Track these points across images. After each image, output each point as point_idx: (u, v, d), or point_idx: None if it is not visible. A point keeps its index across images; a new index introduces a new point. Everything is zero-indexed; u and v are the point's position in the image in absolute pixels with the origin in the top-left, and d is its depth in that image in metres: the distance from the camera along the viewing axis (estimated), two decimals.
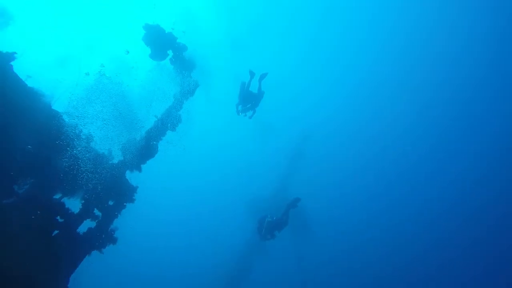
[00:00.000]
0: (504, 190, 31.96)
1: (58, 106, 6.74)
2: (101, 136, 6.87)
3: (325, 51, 34.76)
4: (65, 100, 6.69)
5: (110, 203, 6.86)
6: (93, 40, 28.75)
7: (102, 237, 6.64)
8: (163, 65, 8.19)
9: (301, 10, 33.35)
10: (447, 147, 34.30)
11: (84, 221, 6.55)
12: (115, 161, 6.98)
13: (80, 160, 6.23)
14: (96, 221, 6.66)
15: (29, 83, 6.31)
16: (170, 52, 7.66)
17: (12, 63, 5.70)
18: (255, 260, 23.94)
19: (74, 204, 6.53)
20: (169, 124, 7.38)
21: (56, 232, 6.42)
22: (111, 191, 6.74)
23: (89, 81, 6.96)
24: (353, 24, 33.79)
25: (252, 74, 8.97)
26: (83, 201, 6.51)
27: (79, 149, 6.27)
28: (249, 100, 9.22)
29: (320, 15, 33.31)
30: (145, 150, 7.09)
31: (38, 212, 6.35)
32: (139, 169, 7.19)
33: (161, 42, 7.39)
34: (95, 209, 6.71)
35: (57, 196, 6.73)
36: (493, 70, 31.14)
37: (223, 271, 24.73)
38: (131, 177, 7.22)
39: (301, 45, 34.87)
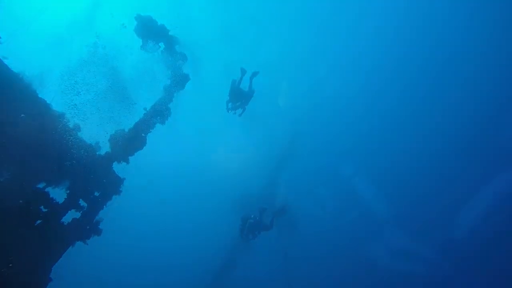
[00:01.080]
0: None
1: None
2: (91, 108, 6.87)
3: (324, 50, 34.87)
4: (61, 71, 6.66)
5: (96, 194, 6.82)
6: (84, 19, 27.94)
7: (87, 228, 6.60)
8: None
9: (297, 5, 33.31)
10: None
11: (69, 212, 6.49)
12: (103, 152, 6.94)
13: (72, 132, 6.18)
14: (81, 211, 6.61)
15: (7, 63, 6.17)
16: (161, 45, 7.64)
17: None
18: (240, 257, 24.11)
19: (59, 194, 6.46)
20: (158, 117, 7.38)
21: (39, 221, 6.34)
22: (97, 182, 6.70)
23: (85, 51, 6.96)
24: (352, 24, 34.06)
25: (243, 71, 9.03)
26: (68, 191, 6.45)
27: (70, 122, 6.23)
28: (239, 97, 9.25)
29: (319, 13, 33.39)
30: (133, 142, 7.07)
31: (21, 201, 6.26)
32: (127, 161, 7.17)
33: (152, 34, 7.35)
34: (81, 199, 6.65)
35: (41, 186, 6.64)
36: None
37: (209, 267, 24.83)
38: (118, 168, 7.18)
39: (300, 41, 34.82)
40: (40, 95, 6.68)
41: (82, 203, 6.74)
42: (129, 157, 7.11)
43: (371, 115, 35.74)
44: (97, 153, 6.99)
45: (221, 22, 32.45)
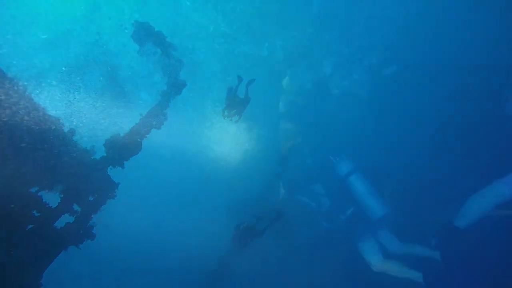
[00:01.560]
0: None
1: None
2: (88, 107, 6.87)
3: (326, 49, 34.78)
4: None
5: (90, 198, 6.81)
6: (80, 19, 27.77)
7: (80, 232, 6.57)
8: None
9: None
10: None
11: (62, 216, 6.45)
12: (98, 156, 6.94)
13: (66, 136, 6.15)
14: (75, 216, 6.58)
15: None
16: (158, 51, 7.70)
17: None
18: (234, 259, 23.92)
19: (52, 199, 6.42)
20: (154, 122, 7.42)
21: (31, 226, 6.28)
22: (92, 186, 6.69)
23: (85, 49, 7.03)
24: (354, 24, 33.98)
25: (239, 79, 9.24)
26: (62, 195, 6.42)
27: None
28: (235, 105, 9.45)
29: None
30: (128, 147, 7.09)
31: (13, 205, 6.20)
32: (122, 166, 7.18)
33: (150, 40, 7.42)
34: (74, 204, 6.62)
35: (34, 190, 6.59)
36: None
37: (202, 274, 24.57)
38: (113, 173, 7.19)
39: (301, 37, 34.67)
40: (35, 97, 6.66)
41: (76, 207, 6.72)
42: (124, 162, 7.14)
43: (369, 114, 35.81)
44: (92, 157, 6.98)
45: (221, 20, 32.30)
